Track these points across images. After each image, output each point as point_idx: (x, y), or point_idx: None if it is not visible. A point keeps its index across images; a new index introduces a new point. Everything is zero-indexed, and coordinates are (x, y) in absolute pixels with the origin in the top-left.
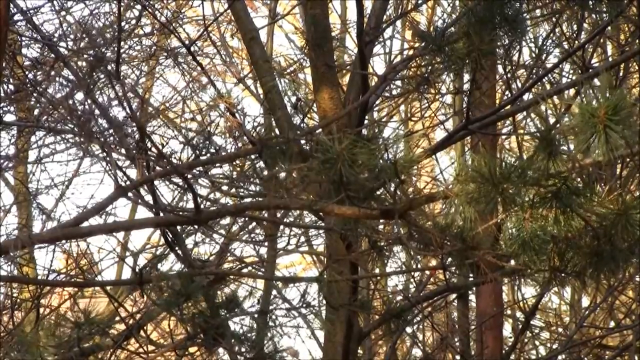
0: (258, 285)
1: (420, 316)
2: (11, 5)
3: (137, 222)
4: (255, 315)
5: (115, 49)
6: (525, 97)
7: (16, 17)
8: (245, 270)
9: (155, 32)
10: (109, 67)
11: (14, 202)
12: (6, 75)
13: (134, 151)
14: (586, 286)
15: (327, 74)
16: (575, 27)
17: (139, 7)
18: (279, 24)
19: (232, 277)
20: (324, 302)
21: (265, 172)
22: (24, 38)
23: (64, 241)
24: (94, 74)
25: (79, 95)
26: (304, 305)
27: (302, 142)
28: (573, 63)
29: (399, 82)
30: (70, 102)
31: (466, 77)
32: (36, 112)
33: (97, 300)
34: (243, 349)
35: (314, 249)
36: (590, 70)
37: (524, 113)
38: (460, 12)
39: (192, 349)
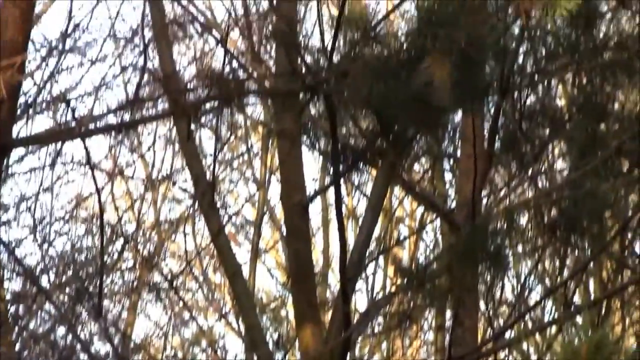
0: None
1: None
2: None
3: None
4: None
5: (98, 283)
6: (508, 334)
7: None
8: None
9: (137, 266)
10: (91, 302)
11: None
12: None
13: None
14: None
15: (309, 310)
16: (557, 263)
17: (121, 240)
18: (262, 259)
19: None
20: None
21: None
22: (6, 271)
23: None
24: (76, 308)
25: (61, 330)
26: None
27: None
28: (555, 300)
29: (381, 319)
30: (52, 336)
31: (448, 313)
32: (17, 346)
33: None
34: None
35: None
36: (573, 308)
37: (507, 350)
38: (443, 248)
39: None
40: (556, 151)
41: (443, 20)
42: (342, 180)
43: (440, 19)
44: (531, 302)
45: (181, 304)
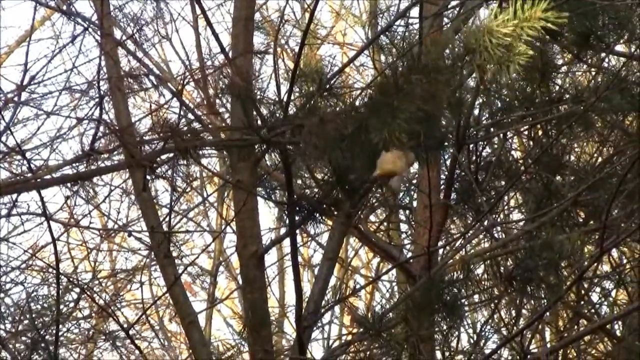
0: None
1: None
2: None
3: None
4: None
5: (54, 331)
6: None
7: None
8: None
9: (93, 315)
10: (48, 350)
11: None
12: None
13: None
14: None
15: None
16: (514, 312)
17: (77, 290)
18: (218, 308)
19: None
20: None
21: None
22: None
23: None
24: (33, 356)
25: None
26: None
27: None
28: (512, 349)
29: None
30: None
31: None
32: None
33: None
34: None
35: None
36: (529, 357)
37: None
38: (399, 298)
39: None
40: (512, 202)
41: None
42: (297, 231)
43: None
44: (487, 351)
45: (137, 352)
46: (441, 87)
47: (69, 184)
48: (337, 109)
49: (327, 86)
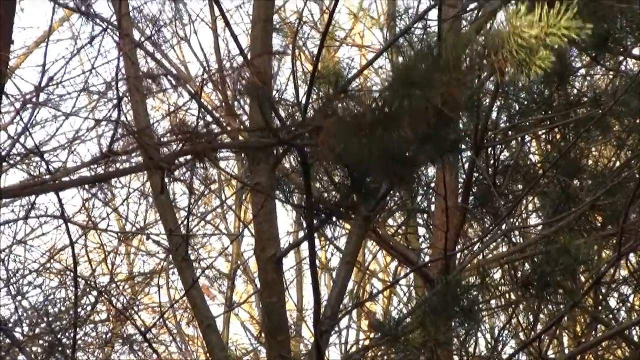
0: None
1: None
2: None
3: None
4: None
5: (72, 335)
6: None
7: None
8: None
9: (111, 318)
10: (65, 354)
11: None
12: None
13: None
14: None
15: None
16: (531, 318)
17: (95, 293)
18: (236, 313)
19: None
20: None
21: None
22: None
23: None
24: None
25: None
26: None
27: None
28: (530, 354)
29: None
30: None
31: None
32: None
33: None
34: None
35: None
36: None
37: None
38: (416, 303)
39: None
40: (530, 206)
41: (417, 79)
42: (316, 234)
43: (414, 78)
44: (505, 357)
45: (155, 357)
46: (461, 87)
47: (87, 187)
48: (356, 111)
49: (346, 89)
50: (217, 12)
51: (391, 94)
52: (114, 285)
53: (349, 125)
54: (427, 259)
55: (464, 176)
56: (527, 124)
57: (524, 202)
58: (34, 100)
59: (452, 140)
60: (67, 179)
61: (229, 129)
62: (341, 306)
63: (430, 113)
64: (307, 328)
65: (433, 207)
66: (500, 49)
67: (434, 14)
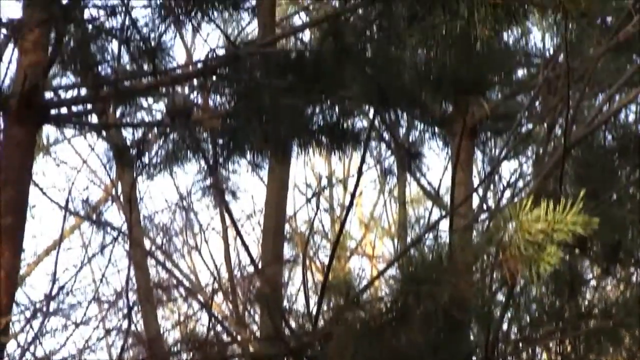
0: None
1: None
2: None
3: None
4: None
5: None
6: None
7: None
8: None
9: None
10: None
11: None
12: None
13: None
14: None
15: None
16: None
17: None
18: None
19: None
20: None
21: None
22: None
23: None
24: None
25: None
26: None
27: None
28: None
29: None
30: None
31: None
32: None
33: None
34: None
35: None
36: None
37: None
38: None
39: None
40: None
41: (425, 277)
42: None
43: (423, 278)
44: None
45: None
46: (469, 288)
47: None
48: (366, 318)
49: (356, 299)
50: (227, 221)
51: (399, 291)
52: None
53: (358, 331)
54: None
55: None
56: (538, 335)
57: None
58: (44, 309)
59: (466, 351)
60: None
61: (239, 338)
62: None
63: (439, 315)
64: None
65: None
66: (508, 245)
67: (444, 224)
